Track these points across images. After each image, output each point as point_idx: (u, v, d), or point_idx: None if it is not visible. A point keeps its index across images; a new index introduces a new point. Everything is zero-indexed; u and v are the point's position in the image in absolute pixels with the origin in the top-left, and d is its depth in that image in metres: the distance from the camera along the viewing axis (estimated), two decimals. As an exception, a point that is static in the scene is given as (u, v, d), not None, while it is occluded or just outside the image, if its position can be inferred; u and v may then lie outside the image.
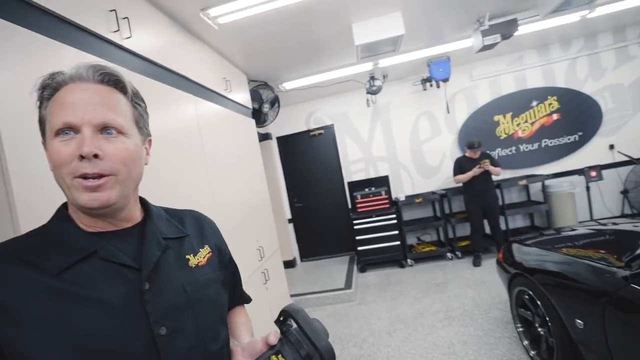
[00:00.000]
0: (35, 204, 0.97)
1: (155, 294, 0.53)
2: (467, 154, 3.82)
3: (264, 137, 4.48)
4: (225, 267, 0.71)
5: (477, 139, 3.71)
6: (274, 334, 0.58)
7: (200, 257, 0.64)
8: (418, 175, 4.61)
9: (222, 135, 2.35)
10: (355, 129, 4.70)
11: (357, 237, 4.14)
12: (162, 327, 0.52)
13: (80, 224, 0.55)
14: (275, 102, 3.56)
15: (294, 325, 0.58)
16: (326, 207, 4.87)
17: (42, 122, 0.54)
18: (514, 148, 4.37)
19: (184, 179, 1.72)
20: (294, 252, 4.84)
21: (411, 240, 4.54)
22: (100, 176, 0.51)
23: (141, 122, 0.60)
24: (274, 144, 4.83)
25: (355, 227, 4.15)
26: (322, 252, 4.92)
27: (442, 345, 2.38)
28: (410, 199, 4.25)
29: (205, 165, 1.98)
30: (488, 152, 3.97)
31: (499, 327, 2.47)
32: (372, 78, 4.01)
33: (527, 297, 1.99)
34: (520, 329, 2.16)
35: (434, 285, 3.44)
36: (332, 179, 4.82)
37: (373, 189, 4.30)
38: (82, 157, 0.49)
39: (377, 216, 4.11)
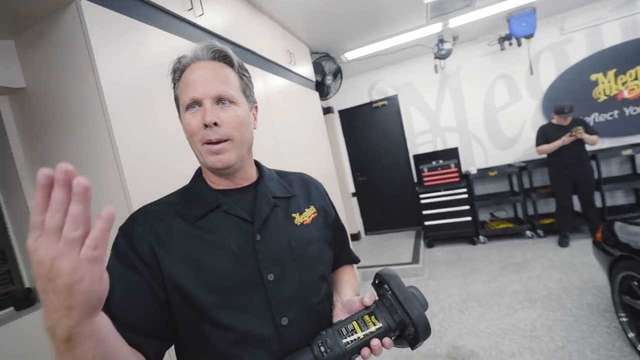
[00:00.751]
0: (142, 176, 1.05)
1: (264, 245, 0.60)
2: (554, 121, 3.28)
3: (326, 111, 4.41)
4: (330, 227, 0.73)
5: (567, 102, 3.15)
6: (369, 296, 0.59)
7: (306, 216, 0.68)
8: (492, 146, 4.14)
9: (289, 110, 2.33)
10: (422, 98, 4.35)
11: (424, 212, 3.93)
12: (270, 274, 0.59)
13: (209, 183, 0.65)
14: (337, 73, 3.44)
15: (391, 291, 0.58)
16: (390, 181, 4.69)
17: (176, 100, 0.64)
18: (616, 112, 3.64)
19: (255, 155, 1.74)
20: (358, 225, 4.81)
21: (484, 216, 4.17)
22: (220, 141, 0.59)
23: (247, 91, 0.66)
24: (336, 118, 4.74)
25: (422, 201, 3.93)
26: (387, 226, 4.81)
27: (522, 327, 2.17)
28: (483, 172, 3.86)
29: (275, 140, 1.98)
30: (581, 117, 3.36)
31: (593, 314, 2.16)
32: (441, 41, 3.61)
33: (636, 283, 1.68)
34: (625, 319, 1.85)
35: (511, 264, 3.14)
36: (397, 152, 4.60)
37: (441, 161, 3.99)
38: (205, 126, 0.58)
39: (445, 190, 3.83)
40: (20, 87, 1.16)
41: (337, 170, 3.67)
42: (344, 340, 0.53)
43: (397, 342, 0.58)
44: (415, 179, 4.46)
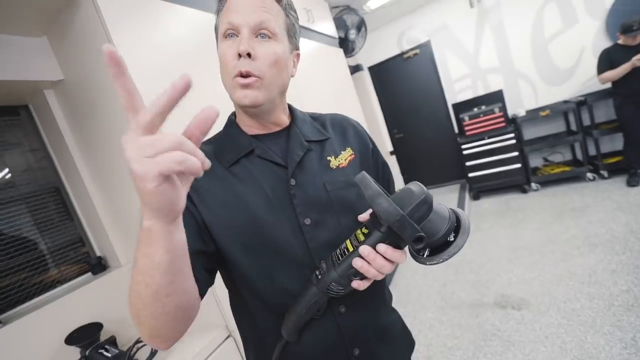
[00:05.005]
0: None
1: (299, 189, 0.59)
2: (620, 42, 2.81)
3: (355, 70, 4.21)
4: (368, 169, 0.69)
5: (637, 17, 2.65)
6: (368, 212, 0.56)
7: (342, 159, 0.65)
8: (543, 83, 3.70)
9: (312, 71, 2.27)
10: (457, 40, 3.96)
11: (467, 163, 3.72)
12: (306, 218, 0.58)
13: (243, 127, 0.64)
14: (361, 26, 3.23)
15: None
16: (429, 135, 4.48)
17: (216, 30, 0.62)
18: None
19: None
20: (399, 184, 4.72)
21: (536, 161, 3.83)
22: (250, 75, 0.55)
23: (292, 31, 0.63)
24: (366, 75, 4.52)
25: (465, 152, 3.71)
26: (429, 181, 4.66)
27: (579, 273, 2.04)
28: (533, 114, 3.50)
29: (301, 103, 1.96)
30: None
31: (667, 255, 1.95)
32: (477, -32, 3.18)
33: None
34: None
35: (568, 209, 2.90)
36: (434, 103, 4.32)
37: (483, 107, 3.69)
38: (239, 56, 0.55)
39: (490, 138, 3.56)
40: (60, 79, 1.26)
41: (371, 129, 3.56)
42: (337, 260, 0.51)
43: (425, 258, 0.50)
44: (456, 130, 4.19)
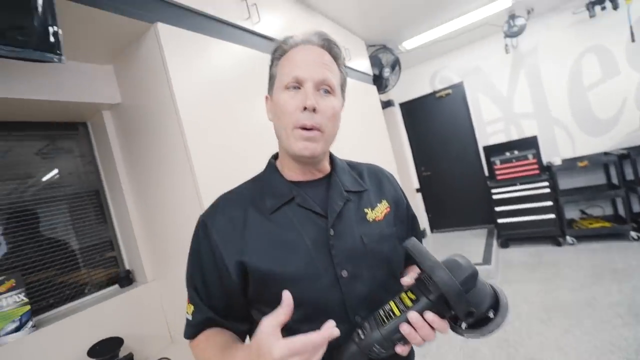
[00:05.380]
0: (210, 175, 1.21)
1: (338, 240, 0.60)
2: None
3: (386, 105, 4.35)
4: (401, 222, 0.72)
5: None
6: (410, 275, 0.55)
7: (378, 212, 0.67)
8: (581, 132, 3.65)
9: (346, 106, 2.38)
10: (491, 83, 4.03)
11: (497, 208, 3.64)
12: (343, 270, 0.59)
13: (283, 173, 0.67)
14: (395, 64, 3.38)
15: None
16: (458, 175, 4.44)
17: (271, 79, 0.67)
18: None
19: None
20: (423, 222, 4.66)
21: (572, 213, 3.70)
22: (314, 128, 0.59)
23: (344, 86, 0.68)
24: (397, 111, 4.64)
25: (494, 196, 3.65)
26: (455, 223, 4.57)
27: (624, 347, 1.88)
28: (570, 163, 3.43)
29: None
30: None
31: None
32: (512, 17, 3.30)
33: None
34: None
35: (608, 270, 2.74)
36: (464, 144, 4.33)
37: (516, 152, 3.65)
38: (304, 109, 0.59)
39: (522, 184, 3.50)
40: (118, 102, 1.41)
41: (399, 165, 3.61)
42: (382, 322, 0.51)
43: (464, 330, 0.52)
44: (487, 173, 4.15)
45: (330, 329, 0.46)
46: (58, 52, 0.89)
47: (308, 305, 0.57)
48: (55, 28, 0.87)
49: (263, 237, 0.60)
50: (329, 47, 0.64)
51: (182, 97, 1.20)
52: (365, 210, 0.66)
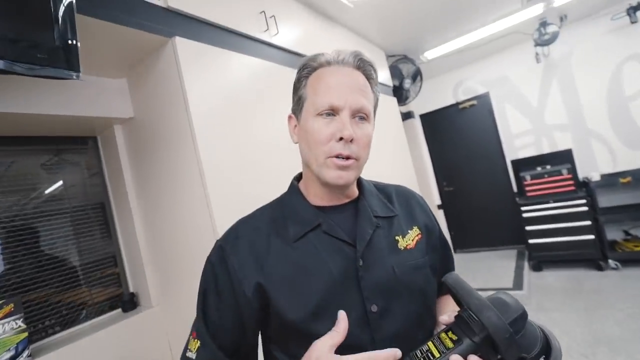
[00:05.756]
0: (223, 192, 1.17)
1: (367, 271, 0.57)
2: None
3: (406, 117, 4.27)
4: (434, 249, 0.68)
5: None
6: (449, 314, 0.53)
7: (409, 239, 0.64)
8: (622, 145, 3.44)
9: (363, 119, 2.33)
10: (520, 93, 3.89)
11: (528, 228, 3.45)
12: (373, 305, 0.55)
13: (308, 198, 0.64)
14: (417, 75, 3.31)
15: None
16: (483, 191, 4.28)
17: (299, 100, 0.63)
18: None
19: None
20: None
21: (614, 234, 3.45)
22: (350, 158, 0.57)
23: (376, 108, 0.66)
24: (417, 123, 4.55)
25: (525, 214, 3.46)
26: (481, 243, 4.38)
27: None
28: (611, 179, 3.23)
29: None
30: None
31: None
32: (543, 24, 3.20)
33: None
34: None
35: (659, 299, 2.52)
36: (490, 158, 4.18)
37: (548, 167, 3.48)
38: (340, 139, 0.56)
39: (556, 201, 3.31)
40: (130, 117, 1.40)
41: (420, 180, 3.50)
42: None
43: None
44: (515, 189, 3.97)
45: (394, 352, 0.46)
46: (76, 68, 0.87)
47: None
48: (75, 42, 0.86)
49: (286, 266, 0.57)
50: (364, 68, 0.61)
51: (197, 113, 1.18)
52: (396, 237, 0.63)
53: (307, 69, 0.62)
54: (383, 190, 0.71)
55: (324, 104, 0.57)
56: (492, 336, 0.44)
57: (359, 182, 0.68)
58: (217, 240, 0.63)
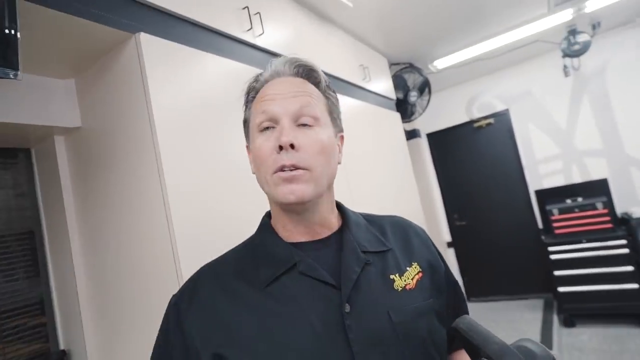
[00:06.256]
0: (190, 215, 1.16)
1: (357, 319, 0.56)
2: None
3: (410, 136, 4.39)
4: (440, 291, 0.69)
5: None
6: None
7: (408, 278, 0.65)
8: (669, 175, 3.61)
9: (360, 136, 2.38)
10: (546, 112, 4.07)
11: (556, 273, 3.51)
12: None
13: (281, 234, 0.66)
14: (424, 87, 3.44)
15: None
16: (502, 226, 4.38)
17: (246, 124, 0.70)
18: None
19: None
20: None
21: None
22: (296, 168, 0.58)
23: (335, 112, 0.70)
24: (423, 143, 4.67)
25: (552, 256, 3.53)
26: (499, 290, 4.43)
27: None
28: (654, 216, 3.35)
29: (345, 171, 2.02)
30: None
31: None
32: (572, 32, 3.40)
33: None
34: None
35: None
36: (510, 187, 4.31)
37: (580, 199, 3.60)
38: (280, 148, 0.58)
39: (590, 241, 3.40)
40: (76, 126, 1.40)
41: (426, 211, 3.54)
42: None
43: None
44: (540, 224, 4.07)
45: None
46: (14, 65, 0.87)
47: None
48: (14, 32, 0.86)
49: (254, 322, 0.56)
50: (305, 73, 0.67)
51: (162, 124, 1.18)
52: (392, 276, 0.63)
53: (251, 92, 0.68)
54: (375, 222, 0.73)
55: (259, 115, 0.62)
56: None
57: (342, 212, 0.71)
58: (173, 296, 0.65)
